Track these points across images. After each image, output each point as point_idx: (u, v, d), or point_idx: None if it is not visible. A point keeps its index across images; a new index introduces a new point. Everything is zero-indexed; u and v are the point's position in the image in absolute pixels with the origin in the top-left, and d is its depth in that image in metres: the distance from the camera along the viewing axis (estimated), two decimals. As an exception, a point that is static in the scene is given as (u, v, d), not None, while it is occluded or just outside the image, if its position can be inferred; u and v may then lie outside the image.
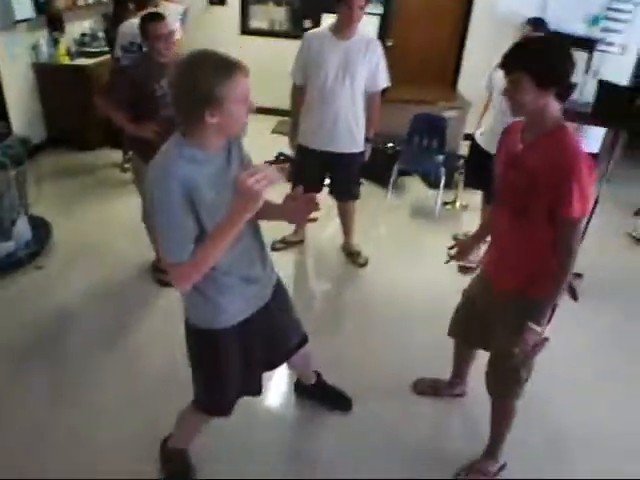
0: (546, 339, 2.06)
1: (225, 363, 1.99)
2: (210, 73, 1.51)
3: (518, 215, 2.01)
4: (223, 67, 1.53)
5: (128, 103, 3.02)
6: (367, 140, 3.65)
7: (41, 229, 3.94)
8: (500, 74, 3.70)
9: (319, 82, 3.37)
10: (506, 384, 2.29)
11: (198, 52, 1.57)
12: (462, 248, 2.51)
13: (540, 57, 1.82)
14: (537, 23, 3.54)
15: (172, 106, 1.62)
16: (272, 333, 2.11)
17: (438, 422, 2.82)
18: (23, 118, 5.16)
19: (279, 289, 2.14)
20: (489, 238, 2.39)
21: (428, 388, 2.95)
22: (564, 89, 1.86)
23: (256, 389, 2.19)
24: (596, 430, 2.79)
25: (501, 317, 2.23)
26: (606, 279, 4.01)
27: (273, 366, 2.30)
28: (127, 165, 5.04)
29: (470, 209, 4.89)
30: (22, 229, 3.74)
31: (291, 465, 2.54)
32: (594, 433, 2.77)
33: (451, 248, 2.50)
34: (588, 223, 3.40)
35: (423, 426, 2.76)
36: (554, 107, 1.87)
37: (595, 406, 2.94)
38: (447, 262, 2.50)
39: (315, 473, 2.47)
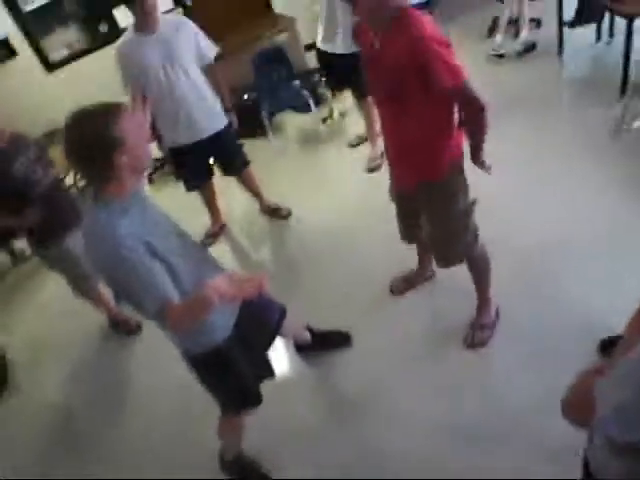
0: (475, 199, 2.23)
1: (237, 368, 2.08)
2: (102, 119, 1.55)
3: (398, 109, 2.11)
4: (107, 111, 1.58)
5: None
6: (228, 110, 3.61)
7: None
8: None
9: (152, 85, 3.27)
10: (456, 251, 2.47)
11: (78, 111, 1.59)
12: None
13: None
14: None
15: (75, 168, 1.66)
16: (258, 318, 2.20)
17: (429, 307, 3.00)
18: None
19: None
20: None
21: (403, 284, 3.12)
22: None
23: (270, 372, 2.31)
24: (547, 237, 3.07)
25: (420, 206, 2.40)
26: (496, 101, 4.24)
27: (271, 343, 2.39)
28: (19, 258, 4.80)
29: (348, 114, 5.00)
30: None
31: (333, 404, 2.73)
32: (544, 240, 3.06)
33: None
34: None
35: (420, 317, 2.95)
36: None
37: (537, 213, 3.23)
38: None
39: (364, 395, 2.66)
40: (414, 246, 2.88)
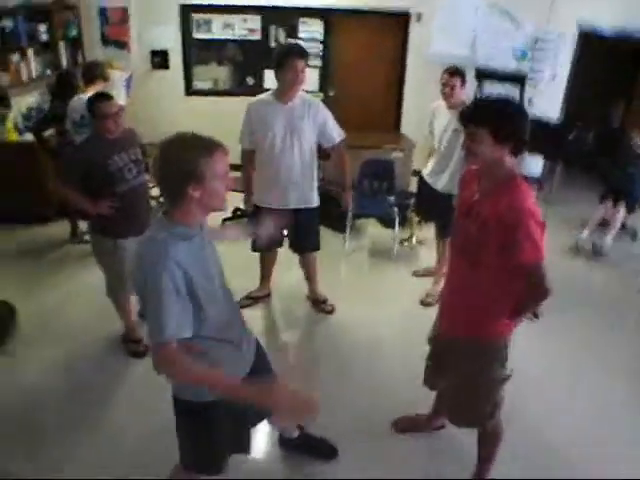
0: (510, 376, 2.19)
1: (217, 432, 2.03)
2: (192, 151, 1.65)
3: (469, 262, 2.15)
4: (204, 146, 1.68)
5: (82, 181, 3.08)
6: (344, 191, 3.82)
7: (4, 312, 3.83)
8: (440, 120, 3.96)
9: (267, 146, 3.49)
10: (471, 415, 2.42)
11: (180, 134, 1.71)
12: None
13: (499, 116, 2.00)
14: (452, 72, 3.80)
15: (157, 184, 1.74)
16: None
17: (424, 457, 2.88)
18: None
19: (259, 349, 2.22)
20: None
21: (409, 425, 3.02)
22: (519, 145, 2.03)
23: (247, 448, 2.24)
24: (579, 441, 2.95)
25: (456, 355, 2.37)
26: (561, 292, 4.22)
27: (259, 422, 2.35)
28: (78, 238, 5.07)
29: (426, 244, 5.08)
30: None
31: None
32: (577, 445, 2.93)
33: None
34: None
35: (412, 463, 2.83)
36: (508, 161, 2.04)
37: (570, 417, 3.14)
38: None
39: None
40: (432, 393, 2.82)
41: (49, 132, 4.92)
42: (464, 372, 2.33)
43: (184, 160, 1.64)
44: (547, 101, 5.85)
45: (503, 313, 2.17)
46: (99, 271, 3.44)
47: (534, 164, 6.07)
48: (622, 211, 5.27)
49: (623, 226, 5.49)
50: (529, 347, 3.51)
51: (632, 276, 4.82)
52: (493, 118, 1.99)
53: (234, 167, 6.42)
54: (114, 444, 2.90)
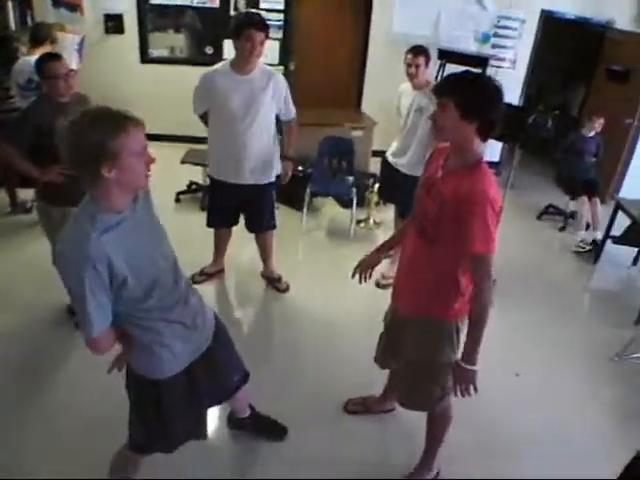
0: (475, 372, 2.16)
1: (170, 411, 1.96)
2: (101, 128, 1.51)
3: (426, 241, 2.12)
4: (115, 121, 1.54)
5: (30, 146, 2.91)
6: (286, 158, 3.70)
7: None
8: (405, 100, 3.92)
9: (223, 118, 3.37)
10: (420, 398, 2.40)
11: (89, 109, 1.59)
12: (369, 261, 2.56)
13: (468, 89, 1.94)
14: (417, 51, 3.75)
15: (70, 165, 1.60)
16: (216, 373, 2.10)
17: (374, 439, 2.87)
18: None
19: (218, 326, 2.15)
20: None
21: (359, 406, 3.01)
22: (485, 125, 1.96)
23: (202, 433, 2.17)
24: (526, 429, 2.99)
25: (408, 335, 2.34)
26: (512, 279, 4.34)
27: (216, 404, 2.29)
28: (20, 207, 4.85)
29: (384, 226, 5.08)
30: None
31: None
32: (523, 431, 2.97)
33: (358, 266, 2.56)
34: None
35: (360, 445, 2.82)
36: (475, 142, 1.98)
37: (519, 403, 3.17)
38: (353, 276, 2.56)
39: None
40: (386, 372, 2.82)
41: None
42: (415, 351, 2.32)
43: (94, 138, 1.50)
44: (508, 85, 5.87)
45: (456, 296, 2.14)
46: (46, 240, 3.28)
47: (492, 148, 6.14)
48: (598, 202, 5.40)
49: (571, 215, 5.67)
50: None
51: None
52: (461, 89, 1.94)
53: (186, 139, 6.28)
54: (55, 419, 2.80)
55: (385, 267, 4.29)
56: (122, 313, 1.71)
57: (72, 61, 4.99)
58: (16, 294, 3.79)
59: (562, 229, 5.64)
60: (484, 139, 1.99)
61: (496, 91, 1.97)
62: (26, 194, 4.64)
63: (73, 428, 2.74)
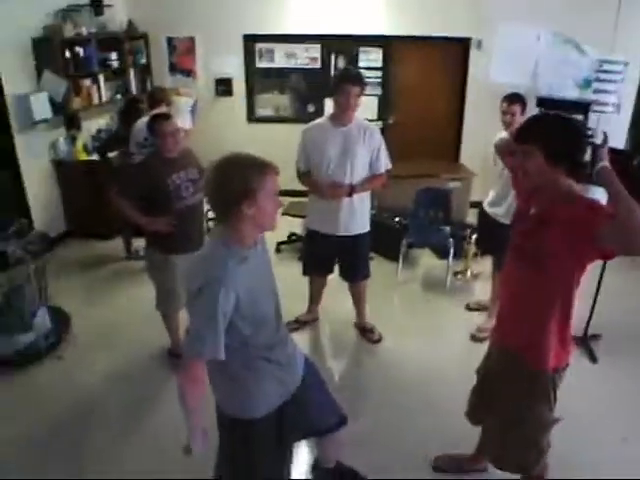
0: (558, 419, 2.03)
1: (260, 452, 2.00)
2: (246, 169, 1.69)
3: (531, 267, 2.03)
4: (257, 164, 1.72)
5: (141, 198, 3.17)
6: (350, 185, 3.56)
7: (60, 320, 4.02)
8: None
9: (322, 170, 3.49)
10: (513, 458, 2.25)
11: (232, 154, 1.76)
12: None
13: (552, 134, 1.89)
14: (512, 99, 3.71)
15: (210, 203, 1.76)
16: (307, 414, 2.12)
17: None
18: (43, 213, 5.37)
19: (310, 367, 2.18)
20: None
21: (450, 464, 2.87)
22: (574, 167, 1.89)
23: (287, 476, 2.19)
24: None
25: (504, 377, 2.22)
26: (623, 337, 4.02)
27: (302, 438, 2.32)
28: (133, 255, 5.27)
29: (481, 278, 4.93)
30: (42, 320, 3.82)
31: None
32: None
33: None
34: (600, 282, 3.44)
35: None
36: (566, 182, 1.92)
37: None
38: None
39: None
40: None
41: (114, 153, 5.15)
42: (510, 402, 2.19)
43: (239, 177, 1.67)
44: (612, 129, 5.61)
45: (557, 339, 2.03)
46: (150, 286, 3.52)
47: (599, 194, 5.80)
48: None
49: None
50: (582, 389, 3.31)
51: None
52: (544, 134, 1.89)
53: (288, 193, 6.50)
54: (153, 455, 2.91)
55: (482, 320, 4.17)
56: (228, 348, 1.74)
57: (186, 121, 5.43)
58: (121, 335, 4.06)
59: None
60: (577, 178, 1.93)
61: (581, 129, 1.91)
62: (140, 243, 5.00)
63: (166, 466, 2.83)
